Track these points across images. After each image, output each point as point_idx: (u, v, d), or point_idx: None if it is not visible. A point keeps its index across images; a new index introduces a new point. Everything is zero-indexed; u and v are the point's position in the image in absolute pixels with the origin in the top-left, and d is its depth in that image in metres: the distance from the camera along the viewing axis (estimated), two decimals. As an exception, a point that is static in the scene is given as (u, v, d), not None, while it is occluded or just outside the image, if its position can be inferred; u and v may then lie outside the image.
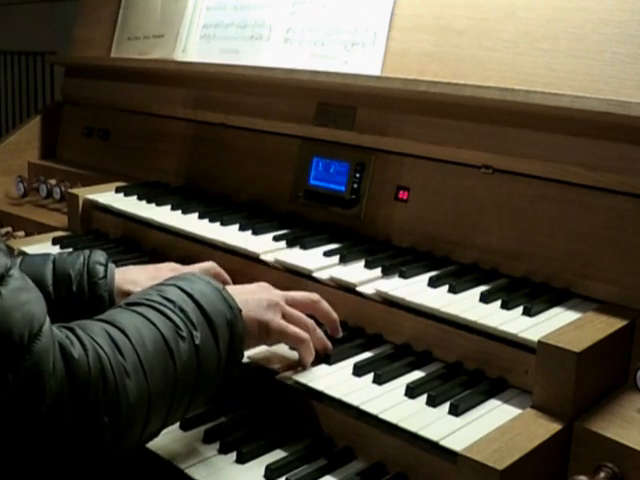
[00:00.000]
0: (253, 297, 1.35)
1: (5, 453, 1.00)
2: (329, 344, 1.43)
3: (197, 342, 1.17)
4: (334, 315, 1.47)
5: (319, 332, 1.42)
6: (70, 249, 1.98)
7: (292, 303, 1.41)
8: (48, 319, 1.03)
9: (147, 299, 1.21)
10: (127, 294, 1.42)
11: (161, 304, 1.19)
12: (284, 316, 1.37)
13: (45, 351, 0.99)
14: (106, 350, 1.07)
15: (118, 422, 1.06)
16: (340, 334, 1.47)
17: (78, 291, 1.43)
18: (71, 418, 1.02)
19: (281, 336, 1.36)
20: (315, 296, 1.47)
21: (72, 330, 1.08)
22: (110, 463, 1.12)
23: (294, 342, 1.38)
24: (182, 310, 1.19)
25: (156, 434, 1.19)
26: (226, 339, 1.22)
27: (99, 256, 1.50)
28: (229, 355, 1.23)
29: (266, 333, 1.34)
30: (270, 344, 1.41)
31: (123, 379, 1.06)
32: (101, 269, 1.46)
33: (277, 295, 1.40)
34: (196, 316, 1.19)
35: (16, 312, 0.97)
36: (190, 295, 1.22)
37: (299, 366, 1.39)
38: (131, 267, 1.58)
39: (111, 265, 1.50)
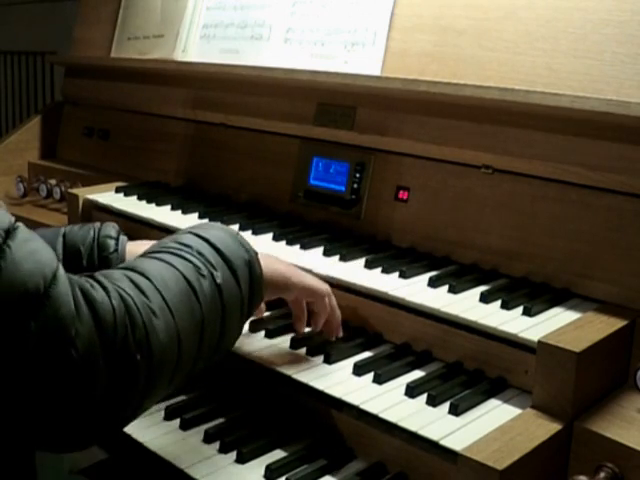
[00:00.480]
0: (272, 258, 1.38)
1: (35, 410, 0.98)
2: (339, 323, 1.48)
3: (219, 281, 1.17)
4: (338, 311, 1.49)
5: (333, 298, 1.45)
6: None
7: None
8: (61, 265, 1.01)
9: (164, 247, 1.21)
10: None
11: (179, 249, 1.19)
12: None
13: (65, 294, 0.97)
14: (129, 292, 1.06)
15: (150, 361, 1.05)
16: (340, 332, 1.50)
17: (88, 266, 1.42)
18: (104, 361, 0.99)
19: (302, 287, 1.39)
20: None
21: (92, 276, 1.07)
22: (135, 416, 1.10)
23: (313, 294, 1.41)
24: (200, 253, 1.19)
25: (183, 381, 1.17)
26: (246, 279, 1.23)
27: (110, 229, 1.48)
28: (250, 296, 1.24)
29: (285, 283, 1.36)
30: (290, 298, 1.44)
31: (150, 318, 1.05)
32: (112, 243, 1.45)
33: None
34: (214, 258, 1.19)
35: (27, 262, 0.96)
36: (206, 239, 1.22)
37: (299, 365, 1.39)
38: (144, 242, 1.55)
39: (122, 237, 1.48)
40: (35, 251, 0.98)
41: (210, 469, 1.24)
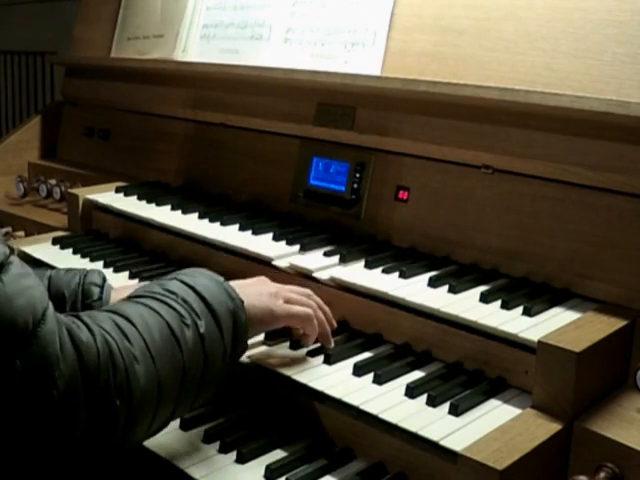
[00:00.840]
0: (254, 289, 1.37)
1: (17, 445, 0.99)
2: (334, 323, 1.47)
3: (202, 331, 1.17)
4: (326, 307, 1.49)
5: (320, 313, 1.44)
6: (70, 249, 1.99)
7: (289, 293, 1.43)
8: (51, 304, 1.02)
9: (150, 292, 1.21)
10: None
11: (164, 295, 1.19)
12: (286, 301, 1.39)
13: (51, 334, 0.98)
14: (113, 335, 1.07)
15: (130, 406, 1.06)
16: (335, 324, 1.50)
17: (71, 312, 1.42)
18: (84, 403, 1.01)
19: (287, 317, 1.38)
20: (309, 290, 1.49)
21: (78, 317, 1.08)
22: (118, 457, 1.12)
23: (301, 321, 1.40)
24: (185, 301, 1.19)
25: (164, 425, 1.19)
26: (230, 329, 1.23)
27: (95, 276, 1.48)
28: (233, 345, 1.24)
29: (271, 318, 1.36)
30: (293, 327, 1.44)
31: (132, 364, 1.06)
32: (96, 290, 1.45)
33: (276, 286, 1.43)
34: (199, 306, 1.20)
35: (19, 298, 0.96)
36: (192, 287, 1.22)
37: (299, 366, 1.39)
38: (129, 286, 1.55)
39: (107, 285, 1.48)
40: (28, 287, 0.99)
41: (210, 469, 1.24)
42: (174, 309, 1.17)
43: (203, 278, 1.26)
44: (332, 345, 1.45)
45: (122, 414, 1.05)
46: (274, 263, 1.66)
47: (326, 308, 1.49)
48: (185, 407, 1.20)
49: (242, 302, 1.27)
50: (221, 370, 1.23)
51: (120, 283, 1.67)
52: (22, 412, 0.97)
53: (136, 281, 1.56)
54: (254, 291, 1.36)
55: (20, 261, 1.02)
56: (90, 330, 1.05)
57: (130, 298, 1.21)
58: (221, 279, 1.28)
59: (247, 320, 1.27)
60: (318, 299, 1.49)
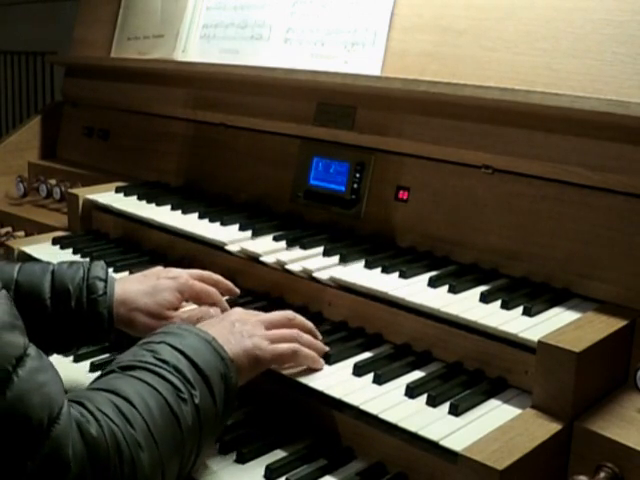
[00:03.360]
0: (233, 333, 1.31)
1: None
2: (322, 345, 1.41)
3: (197, 402, 1.16)
4: (309, 324, 1.44)
5: (306, 337, 1.39)
6: (70, 249, 1.99)
7: (269, 326, 1.38)
8: (66, 400, 1.00)
9: (140, 361, 1.18)
10: (128, 310, 1.43)
11: (156, 365, 1.17)
12: (270, 339, 1.34)
13: (65, 436, 0.96)
14: (117, 423, 1.05)
15: None
16: (319, 336, 1.45)
17: (77, 307, 1.41)
18: None
19: (275, 359, 1.34)
20: (290, 313, 1.44)
21: (83, 405, 1.05)
22: None
23: (289, 358, 1.36)
24: (177, 370, 1.17)
25: None
26: (222, 393, 1.21)
27: (99, 270, 1.46)
28: (225, 409, 1.22)
29: (259, 365, 1.32)
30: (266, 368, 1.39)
31: (138, 452, 1.05)
32: (101, 285, 1.43)
33: (255, 323, 1.37)
34: (192, 374, 1.18)
35: (34, 396, 0.94)
36: (182, 352, 1.20)
37: (299, 366, 1.39)
38: (132, 278, 1.55)
39: (111, 279, 1.47)
40: (44, 384, 0.96)
41: (210, 469, 1.25)
42: (169, 382, 1.15)
43: (191, 339, 1.23)
44: (322, 367, 1.39)
45: None
46: (273, 264, 1.66)
47: (309, 325, 1.43)
48: (186, 470, 1.19)
49: (232, 361, 1.24)
50: (213, 436, 1.23)
51: (120, 283, 1.67)
52: None
53: (138, 275, 1.56)
54: (237, 338, 1.30)
55: (37, 352, 0.99)
56: (97, 422, 1.02)
57: (122, 369, 1.17)
58: (209, 337, 1.25)
59: (237, 380, 1.25)
60: (300, 319, 1.43)
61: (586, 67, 1.51)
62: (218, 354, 1.23)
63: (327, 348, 1.42)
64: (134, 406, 1.09)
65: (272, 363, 1.35)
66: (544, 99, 1.50)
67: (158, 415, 1.10)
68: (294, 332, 1.39)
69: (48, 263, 1.50)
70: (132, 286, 1.48)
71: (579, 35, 1.54)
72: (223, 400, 1.21)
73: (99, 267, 1.48)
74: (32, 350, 0.98)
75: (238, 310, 1.42)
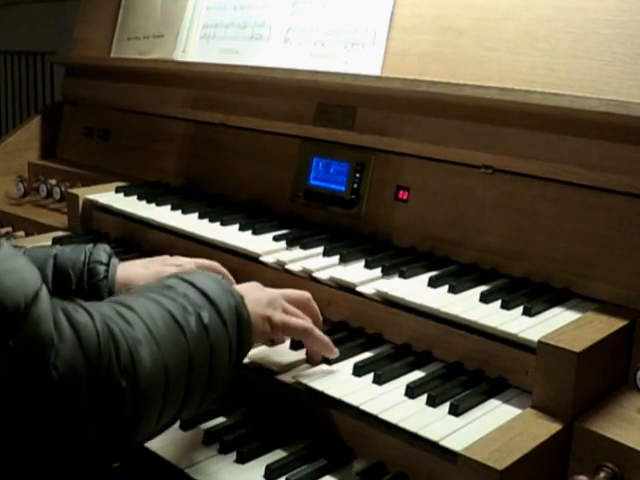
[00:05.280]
0: (252, 295, 1.33)
1: (17, 434, 0.96)
2: (331, 344, 1.41)
3: (205, 321, 1.15)
4: (321, 319, 1.45)
5: (318, 330, 1.40)
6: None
7: (287, 300, 1.40)
8: (45, 286, 0.99)
9: (149, 288, 1.20)
10: (129, 290, 1.41)
11: (164, 288, 1.18)
12: (284, 312, 1.37)
13: (45, 314, 0.95)
14: (115, 319, 1.04)
15: (137, 389, 1.02)
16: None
17: (77, 291, 1.41)
18: (87, 387, 0.97)
19: (284, 328, 1.35)
20: (307, 294, 1.45)
21: (75, 302, 1.05)
22: (122, 458, 1.09)
23: (298, 333, 1.37)
24: (186, 295, 1.17)
25: (172, 421, 1.15)
26: (234, 324, 1.20)
27: (101, 254, 1.46)
28: (239, 340, 1.21)
29: (269, 327, 1.33)
30: (275, 339, 1.41)
31: (136, 347, 1.03)
32: (102, 269, 1.43)
33: (273, 292, 1.39)
34: (200, 300, 1.18)
35: (6, 279, 0.93)
36: (192, 283, 1.20)
37: (299, 366, 1.39)
38: (136, 262, 1.54)
39: (114, 262, 1.46)
40: (15, 269, 0.96)
41: (210, 469, 1.24)
42: (175, 301, 1.15)
43: (201, 276, 1.25)
44: (336, 354, 1.41)
45: (129, 397, 1.02)
46: (273, 264, 1.66)
47: (320, 318, 1.44)
48: (194, 402, 1.17)
49: (242, 298, 1.25)
50: (228, 366, 1.20)
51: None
52: (21, 396, 0.94)
53: (144, 260, 1.56)
54: (252, 298, 1.32)
55: (10, 245, 0.99)
56: (89, 313, 1.02)
57: (131, 293, 1.19)
58: (219, 277, 1.27)
59: (249, 315, 1.25)
60: (314, 304, 1.44)
61: (586, 67, 1.51)
62: (228, 291, 1.23)
63: (331, 345, 1.41)
64: (135, 311, 1.08)
65: (282, 332, 1.35)
66: (544, 99, 1.50)
67: (161, 323, 1.09)
68: (309, 314, 1.40)
69: (51, 247, 1.49)
70: (136, 270, 1.48)
71: (579, 35, 1.54)
72: (236, 330, 1.20)
73: (101, 250, 1.47)
74: (4, 241, 0.98)
75: (255, 282, 1.43)
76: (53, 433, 0.98)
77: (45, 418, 0.96)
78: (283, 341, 1.45)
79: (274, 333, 1.35)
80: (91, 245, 1.49)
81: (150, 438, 1.15)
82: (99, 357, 0.99)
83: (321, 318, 1.46)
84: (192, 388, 1.13)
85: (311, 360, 1.42)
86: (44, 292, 0.98)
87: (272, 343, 1.44)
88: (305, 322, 1.37)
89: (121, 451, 1.09)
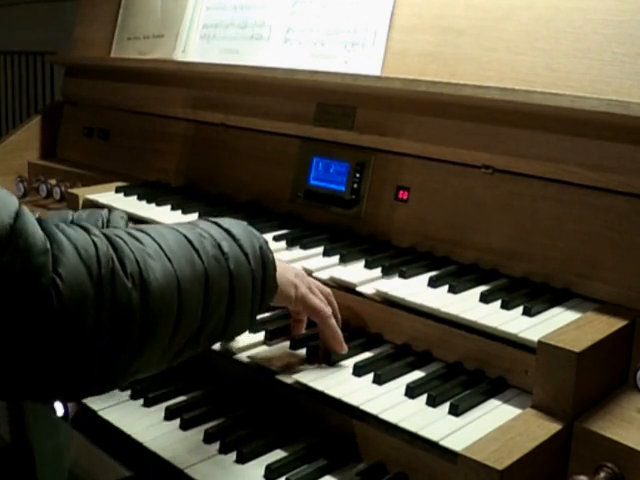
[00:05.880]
0: (281, 263, 1.34)
1: (20, 349, 0.92)
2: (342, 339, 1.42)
3: (225, 250, 1.13)
4: (338, 314, 1.47)
5: (338, 318, 1.43)
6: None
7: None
8: (24, 206, 0.96)
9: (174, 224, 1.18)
10: None
11: (188, 224, 1.17)
12: (309, 289, 1.39)
13: (31, 225, 0.93)
14: (121, 235, 1.01)
15: (146, 298, 0.98)
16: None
17: None
18: (94, 294, 0.94)
19: (304, 303, 1.37)
20: (329, 290, 1.48)
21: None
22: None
23: (316, 313, 1.38)
24: (205, 230, 1.15)
25: (185, 353, 1.10)
26: (257, 258, 1.19)
27: (118, 220, 1.44)
28: (263, 275, 1.20)
29: (290, 294, 1.34)
30: (294, 311, 1.43)
31: (144, 257, 1.00)
32: None
33: (302, 272, 1.42)
34: (221, 235, 1.16)
35: None
36: (217, 223, 1.19)
37: (299, 366, 1.39)
38: None
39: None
40: None
41: (210, 469, 1.24)
42: (194, 230, 1.12)
43: (227, 218, 1.25)
44: (345, 351, 1.42)
45: (138, 304, 0.97)
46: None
47: (338, 314, 1.47)
48: (211, 330, 1.12)
49: (267, 242, 1.24)
50: (251, 299, 1.18)
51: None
52: (26, 311, 0.91)
53: None
54: (281, 264, 1.33)
55: None
56: (86, 229, 0.99)
57: None
58: (244, 222, 1.26)
59: (274, 257, 1.24)
60: (334, 303, 1.47)
61: (586, 67, 1.51)
62: (253, 233, 1.22)
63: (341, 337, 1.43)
64: (146, 232, 1.05)
65: (300, 306, 1.37)
66: (544, 99, 1.50)
67: (174, 242, 1.06)
68: (332, 304, 1.42)
69: (67, 212, 1.47)
70: None
71: (579, 35, 1.54)
72: (259, 265, 1.18)
73: (118, 217, 1.46)
74: None
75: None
76: (56, 354, 0.93)
77: (50, 336, 0.92)
78: (301, 319, 1.46)
79: (293, 302, 1.36)
80: (106, 210, 1.47)
81: (160, 368, 1.09)
82: (98, 263, 0.95)
83: (339, 316, 1.47)
84: (209, 314, 1.09)
85: (322, 338, 1.41)
86: (25, 209, 0.96)
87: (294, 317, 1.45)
88: (324, 306, 1.39)
89: (132, 367, 1.02)
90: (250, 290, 1.18)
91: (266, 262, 1.23)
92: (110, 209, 1.48)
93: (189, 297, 1.05)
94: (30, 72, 3.91)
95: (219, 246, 1.13)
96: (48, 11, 3.63)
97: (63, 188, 2.43)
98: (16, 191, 2.56)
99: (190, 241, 1.09)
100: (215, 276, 1.10)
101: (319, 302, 1.39)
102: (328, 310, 1.39)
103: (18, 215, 0.93)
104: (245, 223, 1.28)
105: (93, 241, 0.98)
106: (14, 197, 0.97)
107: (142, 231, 1.07)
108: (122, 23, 2.59)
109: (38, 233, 0.94)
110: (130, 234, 1.05)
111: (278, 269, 1.28)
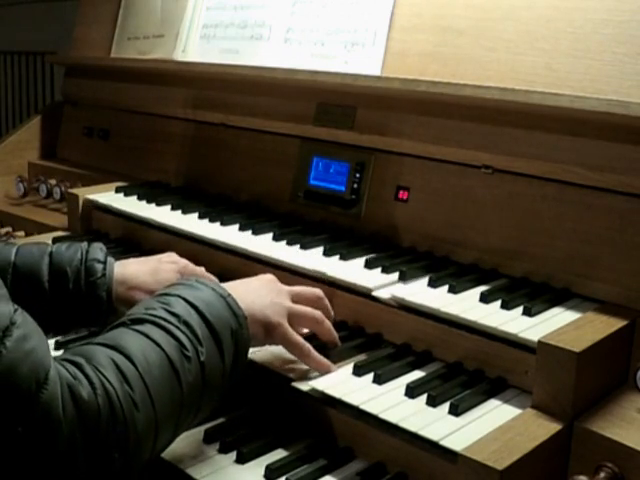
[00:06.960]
0: (259, 298, 1.33)
1: None
2: (336, 337, 1.44)
3: (202, 359, 1.15)
4: (332, 314, 1.48)
5: (327, 323, 1.42)
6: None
7: (298, 299, 1.41)
8: (53, 362, 1.00)
9: (151, 315, 1.17)
10: (128, 288, 1.43)
11: (165, 320, 1.16)
12: (291, 316, 1.37)
13: (54, 399, 0.97)
14: (113, 383, 1.05)
15: (126, 453, 1.05)
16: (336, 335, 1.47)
17: (75, 290, 1.41)
18: (84, 459, 1.01)
19: (283, 343, 1.36)
20: (319, 292, 1.47)
21: (78, 366, 1.05)
22: None
23: (294, 353, 1.37)
24: (187, 324, 1.17)
25: (164, 449, 1.19)
26: (231, 351, 1.21)
27: (97, 252, 1.46)
28: (233, 365, 1.22)
29: (270, 336, 1.34)
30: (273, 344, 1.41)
31: (132, 412, 1.05)
32: (99, 267, 1.43)
33: (283, 292, 1.39)
34: (201, 330, 1.17)
35: (22, 365, 0.95)
36: (194, 306, 1.20)
37: (299, 366, 1.39)
38: (132, 260, 1.55)
39: (110, 260, 1.46)
40: (31, 351, 0.97)
41: (210, 469, 1.24)
42: (176, 338, 1.14)
43: (207, 293, 1.23)
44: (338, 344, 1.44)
45: (119, 462, 1.05)
46: (273, 264, 1.66)
47: (332, 314, 1.48)
48: (183, 429, 1.19)
49: (245, 318, 1.25)
50: (219, 390, 1.22)
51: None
52: (24, 471, 0.98)
53: (140, 258, 1.56)
54: (260, 301, 1.32)
55: (22, 315, 1.00)
56: (91, 384, 1.03)
57: (132, 322, 1.17)
58: (226, 293, 1.25)
59: (249, 336, 1.25)
60: (326, 302, 1.47)
61: (586, 67, 1.51)
62: (232, 310, 1.23)
63: (337, 340, 1.44)
64: (134, 363, 1.08)
65: (281, 344, 1.36)
66: (544, 99, 1.50)
67: (158, 374, 1.10)
68: (319, 315, 1.41)
69: (46, 245, 1.49)
70: (133, 267, 1.49)
71: (579, 35, 1.54)
72: (232, 358, 1.21)
73: (98, 249, 1.47)
74: (18, 317, 0.98)
75: (269, 276, 1.44)
76: None
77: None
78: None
79: (273, 341, 1.36)
80: (86, 243, 1.49)
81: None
82: (97, 432, 1.01)
83: (332, 313, 1.48)
84: (181, 423, 1.16)
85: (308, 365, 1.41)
86: (53, 371, 0.99)
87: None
88: (303, 344, 1.36)
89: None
90: (219, 384, 1.21)
91: (239, 347, 1.23)
92: (89, 241, 1.50)
93: (164, 429, 1.11)
94: (30, 72, 3.91)
95: (197, 355, 1.15)
96: (48, 11, 3.64)
97: (63, 188, 2.43)
98: (16, 191, 2.56)
99: (173, 365, 1.12)
100: (190, 398, 1.15)
101: (296, 340, 1.35)
102: (306, 348, 1.36)
103: (47, 380, 0.97)
104: (227, 293, 1.25)
105: (98, 405, 1.02)
106: (47, 350, 1.01)
107: (129, 359, 1.08)
108: (122, 23, 2.59)
109: (57, 407, 0.98)
110: (120, 371, 1.06)
111: (251, 316, 1.27)
